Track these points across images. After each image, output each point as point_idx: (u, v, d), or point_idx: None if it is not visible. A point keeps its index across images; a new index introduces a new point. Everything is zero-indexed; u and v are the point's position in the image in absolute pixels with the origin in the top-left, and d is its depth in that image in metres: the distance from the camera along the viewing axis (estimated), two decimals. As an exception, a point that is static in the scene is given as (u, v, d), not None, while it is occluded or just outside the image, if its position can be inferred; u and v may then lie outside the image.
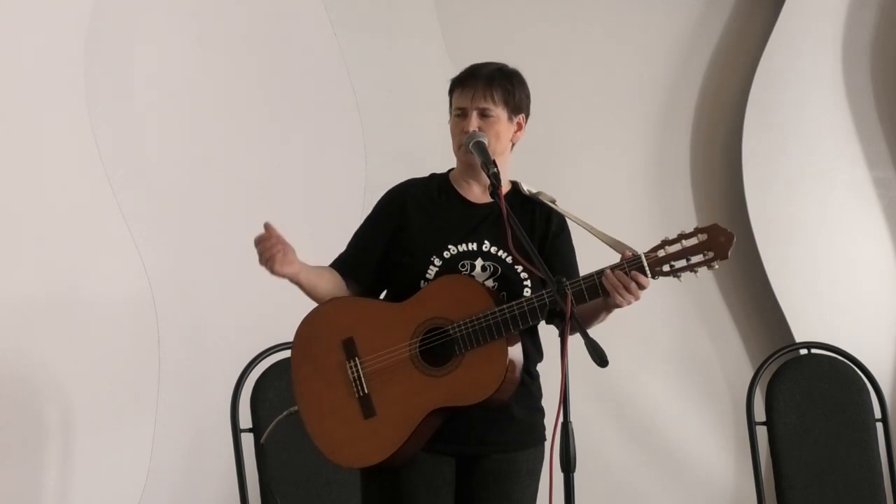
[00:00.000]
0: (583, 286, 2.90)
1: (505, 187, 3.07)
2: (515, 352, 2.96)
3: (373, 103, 4.75)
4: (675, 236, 2.88)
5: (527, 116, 3.13)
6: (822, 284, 5.14)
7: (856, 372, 4.39)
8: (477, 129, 3.03)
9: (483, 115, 3.05)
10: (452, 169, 3.17)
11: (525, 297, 2.94)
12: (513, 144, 3.13)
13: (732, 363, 5.17)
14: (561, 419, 2.75)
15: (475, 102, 3.05)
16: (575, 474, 2.79)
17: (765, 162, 5.13)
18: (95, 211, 4.26)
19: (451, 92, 3.13)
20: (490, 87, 3.06)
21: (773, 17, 5.14)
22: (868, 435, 4.33)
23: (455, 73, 3.14)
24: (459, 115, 3.07)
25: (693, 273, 2.87)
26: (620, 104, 5.15)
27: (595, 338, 2.75)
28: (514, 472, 3.08)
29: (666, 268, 2.87)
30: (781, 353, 4.49)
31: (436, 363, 2.95)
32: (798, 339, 4.95)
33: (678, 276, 2.88)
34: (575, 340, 2.78)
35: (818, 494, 4.25)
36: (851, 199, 5.19)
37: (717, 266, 2.87)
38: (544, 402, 3.13)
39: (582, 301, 2.90)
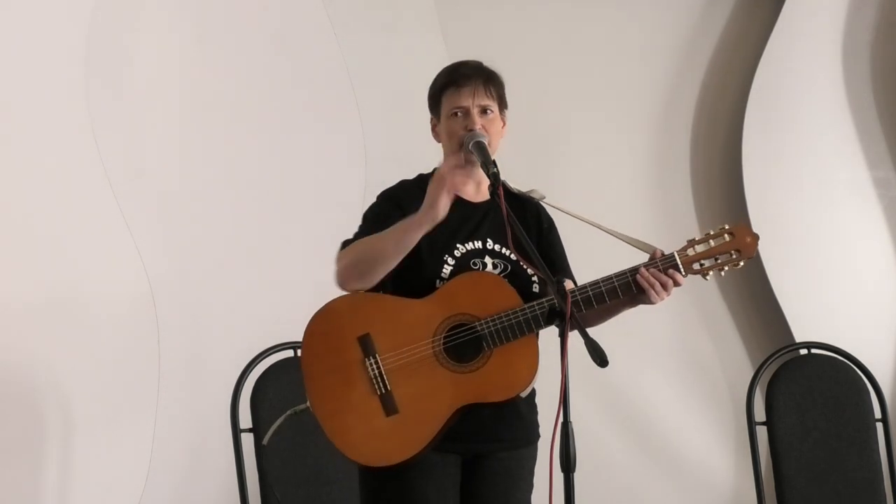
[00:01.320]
0: (616, 284, 2.95)
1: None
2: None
3: (373, 103, 4.74)
4: (702, 236, 3.00)
5: (506, 112, 3.13)
6: (822, 284, 5.14)
7: (856, 372, 4.39)
8: (480, 127, 3.02)
9: (484, 112, 3.05)
10: (437, 168, 3.15)
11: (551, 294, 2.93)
12: None
13: (732, 363, 5.17)
14: (561, 419, 2.75)
15: (477, 100, 3.04)
16: (575, 474, 2.79)
17: (765, 162, 5.13)
18: (95, 211, 4.26)
19: (439, 94, 3.09)
20: (488, 84, 3.06)
21: (773, 17, 5.14)
22: (868, 435, 4.33)
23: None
24: (459, 114, 3.04)
25: (720, 272, 2.99)
26: (620, 104, 5.15)
27: (595, 338, 2.75)
28: (517, 470, 3.08)
29: (696, 266, 2.98)
30: (781, 353, 4.49)
31: (461, 360, 2.95)
32: (798, 339, 4.95)
33: (706, 276, 2.99)
34: (575, 340, 2.79)
35: (818, 494, 4.25)
36: (851, 199, 5.19)
37: (742, 265, 2.99)
38: (542, 402, 3.14)
39: (615, 297, 2.96)
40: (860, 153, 5.19)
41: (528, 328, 2.93)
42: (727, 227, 3.00)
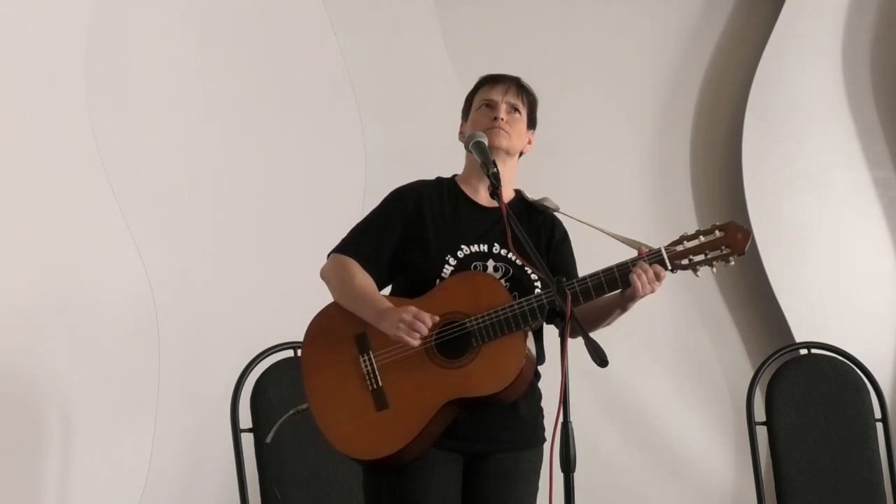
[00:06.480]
0: (602, 279, 2.96)
1: (510, 195, 3.15)
2: (531, 347, 3.00)
3: (373, 103, 4.75)
4: (693, 232, 3.00)
5: (534, 133, 3.21)
6: (822, 284, 5.14)
7: (856, 372, 4.39)
8: (504, 119, 3.09)
9: (511, 110, 3.13)
10: (457, 175, 3.21)
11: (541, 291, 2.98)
12: (520, 154, 3.18)
13: (732, 363, 5.17)
14: (561, 419, 2.75)
15: (508, 97, 3.13)
16: (575, 474, 2.79)
17: (765, 162, 5.13)
18: (95, 211, 4.26)
19: (475, 91, 3.19)
20: (521, 88, 3.17)
21: (773, 17, 5.14)
22: (868, 435, 4.33)
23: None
24: (488, 105, 3.13)
25: (710, 268, 2.99)
26: (620, 104, 5.15)
27: (595, 338, 2.76)
28: (520, 471, 3.10)
29: (685, 261, 2.99)
30: (781, 353, 4.49)
31: (452, 357, 2.98)
32: (798, 339, 4.95)
33: (696, 271, 2.99)
34: (575, 341, 2.80)
35: (818, 494, 4.25)
36: (851, 199, 5.19)
37: (733, 262, 2.99)
38: (544, 403, 3.15)
39: (601, 293, 2.97)
40: (860, 153, 5.19)
41: (516, 325, 2.95)
42: (716, 223, 3.00)
